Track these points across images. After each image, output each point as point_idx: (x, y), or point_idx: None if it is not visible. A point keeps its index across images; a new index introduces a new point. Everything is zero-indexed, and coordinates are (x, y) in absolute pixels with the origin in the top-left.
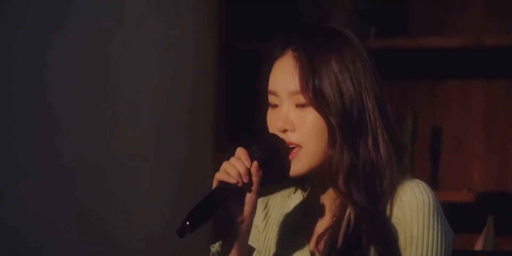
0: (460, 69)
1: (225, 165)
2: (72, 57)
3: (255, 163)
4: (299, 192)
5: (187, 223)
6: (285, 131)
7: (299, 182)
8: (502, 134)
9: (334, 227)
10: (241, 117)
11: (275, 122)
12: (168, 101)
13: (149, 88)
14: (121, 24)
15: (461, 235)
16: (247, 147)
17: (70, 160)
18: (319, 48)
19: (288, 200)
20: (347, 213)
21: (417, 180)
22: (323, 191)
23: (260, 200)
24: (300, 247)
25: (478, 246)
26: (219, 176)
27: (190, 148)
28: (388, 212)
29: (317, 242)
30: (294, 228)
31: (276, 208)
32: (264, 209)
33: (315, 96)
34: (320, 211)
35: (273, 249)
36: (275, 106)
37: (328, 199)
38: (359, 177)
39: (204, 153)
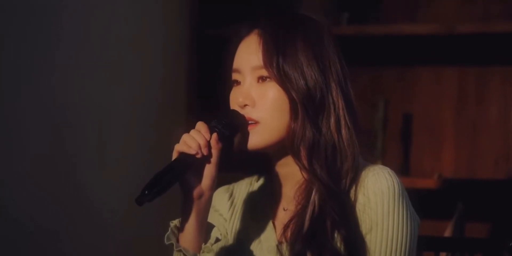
0: (432, 55)
1: (185, 137)
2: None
3: (214, 135)
4: (262, 179)
5: (146, 192)
6: (245, 106)
7: (262, 168)
8: (473, 120)
9: (299, 215)
10: (212, 101)
11: (236, 98)
12: (140, 88)
13: (122, 76)
14: (90, 12)
15: (431, 221)
16: (207, 122)
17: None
18: (286, 29)
19: (252, 188)
20: (311, 198)
21: (381, 166)
22: (286, 177)
23: (224, 188)
24: (267, 236)
25: (448, 232)
26: (179, 147)
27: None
28: (352, 199)
29: (284, 231)
30: (261, 217)
31: (241, 197)
32: (230, 198)
33: (278, 71)
34: (284, 199)
35: (241, 238)
36: (238, 83)
37: (292, 186)
38: (321, 155)
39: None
